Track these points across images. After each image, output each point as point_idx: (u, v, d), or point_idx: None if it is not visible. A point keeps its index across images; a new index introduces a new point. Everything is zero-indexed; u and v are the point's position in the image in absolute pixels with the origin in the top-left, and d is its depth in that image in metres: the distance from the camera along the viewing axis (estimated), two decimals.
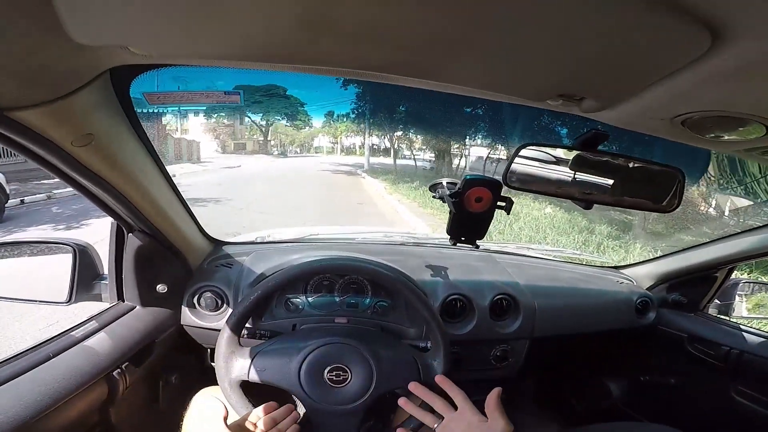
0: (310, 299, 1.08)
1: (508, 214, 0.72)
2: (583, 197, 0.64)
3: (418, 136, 14.37)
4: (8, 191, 6.01)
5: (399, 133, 14.84)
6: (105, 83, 0.55)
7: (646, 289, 1.44)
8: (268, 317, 1.05)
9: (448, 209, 0.73)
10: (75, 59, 0.44)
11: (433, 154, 14.05)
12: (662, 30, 0.31)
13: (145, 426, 1.03)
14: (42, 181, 8.68)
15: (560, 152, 0.64)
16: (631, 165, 0.65)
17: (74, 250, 0.95)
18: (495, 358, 1.19)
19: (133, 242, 0.92)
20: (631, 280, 1.49)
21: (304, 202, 8.03)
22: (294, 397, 0.76)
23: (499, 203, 0.70)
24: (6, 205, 5.95)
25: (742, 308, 1.39)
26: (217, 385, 0.83)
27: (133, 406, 0.98)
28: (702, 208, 6.55)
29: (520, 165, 0.61)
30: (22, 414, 0.62)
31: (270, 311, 1.06)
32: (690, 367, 1.32)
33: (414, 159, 14.84)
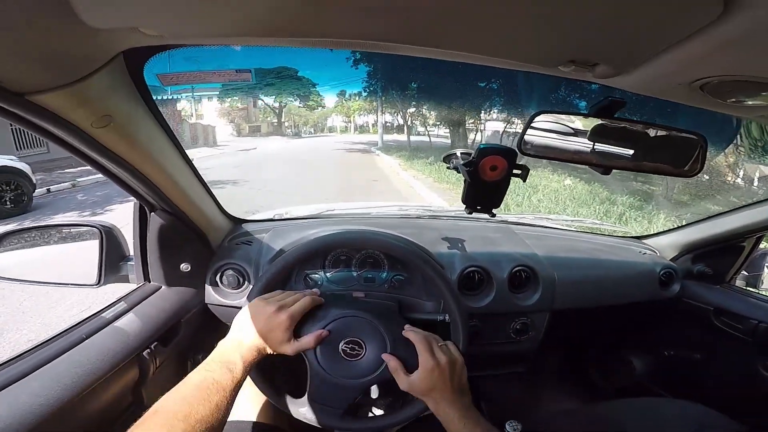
0: (328, 274, 1.10)
1: (524, 181, 0.71)
2: (600, 163, 0.63)
3: (432, 112, 14.17)
4: (35, 181, 6.17)
5: (412, 109, 14.66)
6: (119, 66, 0.56)
7: (670, 260, 1.39)
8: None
9: (464, 180, 0.73)
10: (89, 43, 0.45)
11: (447, 130, 13.82)
12: None
13: None
14: (66, 170, 8.99)
15: (576, 119, 0.62)
16: (650, 131, 0.63)
17: (101, 232, 0.97)
18: (515, 332, 1.18)
19: (155, 222, 0.94)
20: (654, 251, 1.43)
21: (319, 181, 8.10)
22: (308, 365, 0.77)
23: (514, 171, 0.69)
24: (33, 195, 6.16)
25: None
26: None
27: (163, 385, 0.99)
28: (729, 176, 6.29)
29: (534, 132, 0.60)
30: (62, 395, 0.64)
31: (290, 287, 1.08)
32: (715, 341, 1.28)
33: (428, 135, 14.67)
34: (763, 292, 1.28)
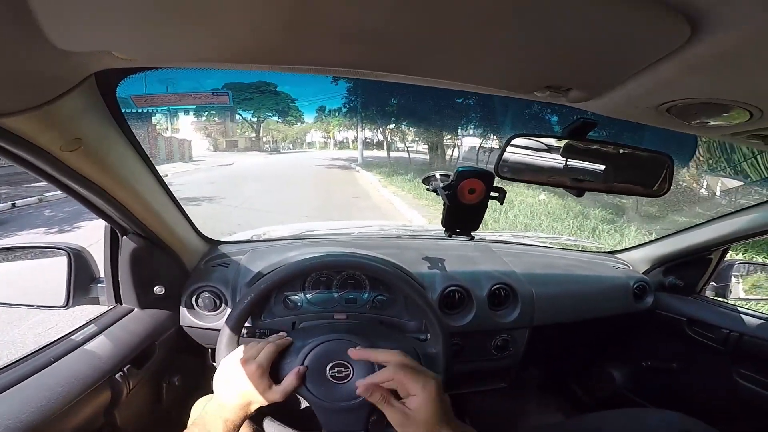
0: (308, 296, 1.08)
1: (501, 204, 0.72)
2: (574, 185, 0.65)
3: (411, 129, 14.38)
4: None
5: (391, 126, 14.83)
6: (90, 87, 0.54)
7: (642, 273, 1.44)
8: (268, 315, 1.05)
9: (443, 204, 0.73)
10: (59, 65, 0.43)
11: (426, 146, 14.04)
12: (642, 21, 0.31)
13: (150, 428, 1.03)
14: (33, 184, 8.60)
15: (550, 141, 0.64)
16: (620, 152, 0.66)
17: (69, 254, 0.93)
18: (495, 348, 1.19)
19: (127, 245, 0.91)
20: (627, 265, 1.49)
21: (298, 197, 8.02)
22: (299, 396, 0.75)
23: (492, 194, 0.70)
24: None
25: (738, 289, 1.37)
26: None
27: (137, 408, 0.97)
28: (694, 190, 6.61)
29: (511, 155, 0.61)
30: (30, 419, 0.62)
31: (269, 309, 1.06)
32: (690, 350, 1.32)
33: (407, 151, 14.84)
34: (732, 302, 1.33)
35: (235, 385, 0.68)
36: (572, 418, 1.57)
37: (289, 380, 0.70)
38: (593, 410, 1.21)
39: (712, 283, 1.37)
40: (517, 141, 0.61)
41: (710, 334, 1.23)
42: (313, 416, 0.74)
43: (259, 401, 0.68)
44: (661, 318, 1.38)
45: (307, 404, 0.75)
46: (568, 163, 0.63)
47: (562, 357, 1.68)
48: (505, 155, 0.61)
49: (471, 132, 12.55)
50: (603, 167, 0.65)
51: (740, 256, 3.98)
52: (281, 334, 0.82)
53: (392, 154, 15.10)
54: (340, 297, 1.09)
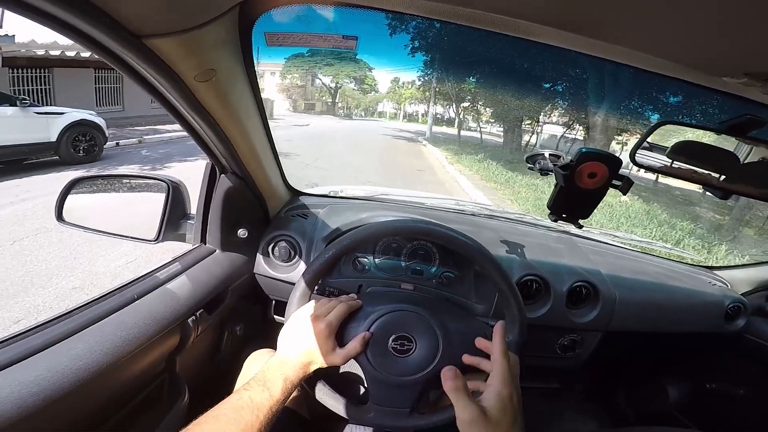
0: (377, 260, 1.08)
1: (624, 194, 0.65)
2: (721, 185, 0.56)
3: (487, 109, 13.72)
4: (107, 134, 6.80)
5: (466, 104, 14.27)
6: (232, 19, 0.54)
7: (741, 294, 1.31)
8: (337, 275, 1.06)
9: (553, 184, 0.67)
10: None
11: (501, 128, 13.36)
12: None
13: (204, 376, 1.01)
14: (136, 128, 9.75)
15: (702, 134, 0.55)
16: None
17: (168, 187, 0.97)
18: (561, 348, 1.14)
19: (224, 183, 0.93)
20: (725, 283, 1.35)
21: (365, 163, 8.13)
22: (359, 364, 0.73)
23: (614, 182, 0.63)
24: (104, 146, 6.75)
25: None
26: (272, 344, 0.80)
27: (198, 355, 0.98)
28: None
29: (653, 144, 0.54)
30: (101, 360, 0.61)
31: (338, 269, 1.07)
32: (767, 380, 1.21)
33: (480, 131, 14.24)
34: None
35: (301, 341, 0.67)
36: (605, 428, 1.50)
37: (353, 345, 0.68)
38: (631, 424, 1.11)
39: None
40: (664, 128, 0.53)
41: None
42: (358, 385, 0.73)
43: (320, 362, 0.66)
44: (750, 344, 1.26)
45: (349, 370, 0.72)
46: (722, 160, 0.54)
47: (621, 364, 1.58)
48: (647, 143, 0.54)
49: (554, 120, 11.71)
50: (762, 171, 0.55)
51: None
52: (352, 295, 0.81)
53: (463, 132, 14.60)
54: (407, 267, 1.07)
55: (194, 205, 1.02)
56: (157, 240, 0.96)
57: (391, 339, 0.72)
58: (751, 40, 0.34)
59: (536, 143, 11.87)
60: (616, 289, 1.13)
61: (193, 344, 0.86)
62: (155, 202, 0.98)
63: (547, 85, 10.14)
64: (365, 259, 1.09)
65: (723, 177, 0.55)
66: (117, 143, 7.88)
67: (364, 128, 16.98)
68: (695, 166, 0.54)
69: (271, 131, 0.96)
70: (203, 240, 1.01)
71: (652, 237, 5.22)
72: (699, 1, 0.30)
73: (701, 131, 0.54)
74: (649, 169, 0.54)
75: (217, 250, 1.02)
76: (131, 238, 0.98)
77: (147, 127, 9.97)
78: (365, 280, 1.04)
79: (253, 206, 1.06)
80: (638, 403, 1.55)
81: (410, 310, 0.75)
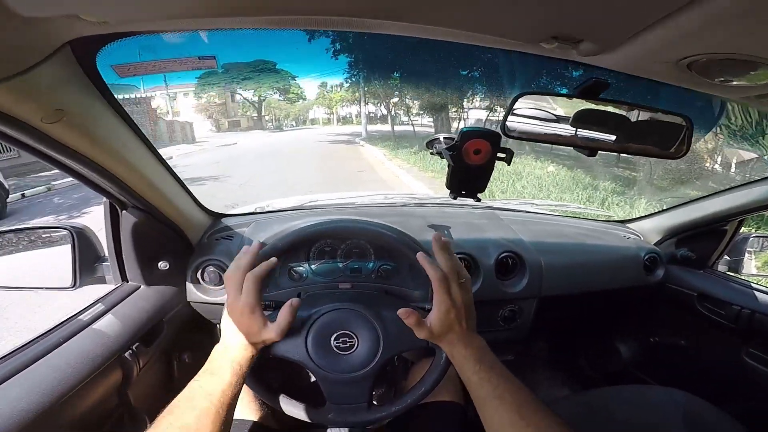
0: (313, 266, 1.07)
1: (509, 164, 0.69)
2: (586, 144, 0.61)
3: (415, 101, 14.11)
4: (7, 186, 6.00)
5: (395, 99, 14.58)
6: (67, 57, 0.52)
7: (654, 244, 1.38)
8: (273, 287, 1.04)
9: (447, 165, 0.70)
10: (27, 33, 0.41)
11: (431, 119, 13.79)
12: None
13: (165, 404, 1.02)
14: (40, 174, 8.69)
15: (559, 101, 0.60)
16: (635, 111, 0.62)
17: (72, 234, 0.93)
18: (503, 319, 1.17)
19: (128, 220, 0.90)
20: (638, 235, 1.43)
21: (303, 174, 7.99)
22: (306, 369, 0.73)
23: (498, 154, 0.67)
24: (7, 200, 5.99)
25: (751, 265, 1.31)
26: None
27: (150, 386, 0.98)
28: (709, 161, 6.42)
29: (519, 114, 0.58)
30: (43, 400, 0.62)
31: (274, 281, 1.05)
32: (700, 327, 1.27)
33: (412, 124, 14.62)
34: (745, 277, 1.27)
35: (234, 324, 0.66)
36: (577, 393, 1.56)
37: (283, 315, 0.67)
38: (600, 386, 1.19)
39: (726, 257, 1.31)
40: (524, 99, 0.58)
41: (721, 311, 1.18)
42: (317, 388, 0.74)
43: (258, 339, 0.65)
44: (672, 292, 1.33)
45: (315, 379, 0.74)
46: (578, 123, 0.59)
47: (570, 330, 1.66)
48: (512, 114, 0.58)
49: (476, 104, 12.30)
50: (616, 128, 0.61)
51: (754, 231, 3.91)
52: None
53: (397, 128, 14.91)
54: (345, 267, 1.07)
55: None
56: (74, 286, 0.93)
57: (333, 338, 0.73)
58: (551, 3, 0.37)
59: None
60: (540, 255, 1.17)
61: (140, 377, 0.86)
62: (67, 252, 0.94)
63: (464, 72, 10.66)
64: (300, 268, 1.07)
65: (585, 137, 0.60)
66: (22, 194, 7.06)
67: (298, 138, 16.73)
68: (592, 131, 0.59)
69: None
70: (124, 278, 0.98)
71: (580, 200, 5.66)
72: None
73: (558, 97, 0.59)
74: (520, 138, 0.59)
75: (142, 286, 0.99)
76: (46, 288, 0.97)
77: (53, 171, 8.89)
78: (303, 287, 1.02)
79: (168, 237, 1.02)
80: (599, 365, 1.63)
81: (347, 307, 0.75)
